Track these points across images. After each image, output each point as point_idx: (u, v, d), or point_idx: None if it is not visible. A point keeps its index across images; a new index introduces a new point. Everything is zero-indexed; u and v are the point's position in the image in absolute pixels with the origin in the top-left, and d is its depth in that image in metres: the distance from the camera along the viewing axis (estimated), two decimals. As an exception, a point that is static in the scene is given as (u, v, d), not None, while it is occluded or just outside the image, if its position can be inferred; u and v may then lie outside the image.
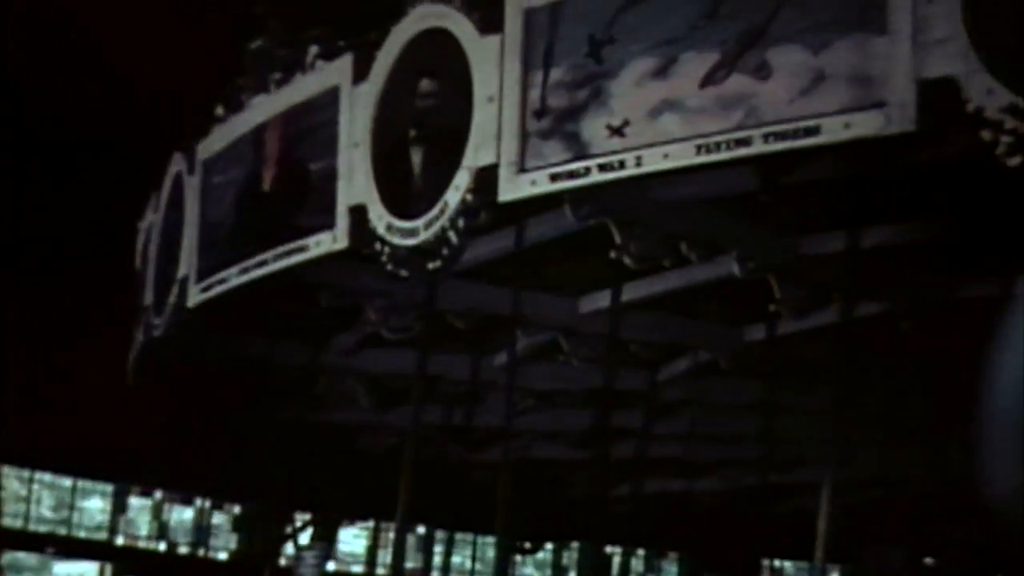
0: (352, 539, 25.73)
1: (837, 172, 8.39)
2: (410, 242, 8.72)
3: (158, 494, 25.38)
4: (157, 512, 25.43)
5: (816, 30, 7.02)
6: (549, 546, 24.70)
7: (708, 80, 7.33)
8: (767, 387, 11.89)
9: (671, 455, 15.52)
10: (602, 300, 11.12)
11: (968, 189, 8.03)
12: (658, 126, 7.50)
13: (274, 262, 9.92)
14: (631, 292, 10.69)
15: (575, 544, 24.52)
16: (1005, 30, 6.59)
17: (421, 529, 25.68)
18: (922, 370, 11.18)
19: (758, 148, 7.19)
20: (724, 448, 15.22)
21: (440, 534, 26.07)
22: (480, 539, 26.27)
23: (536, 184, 8.03)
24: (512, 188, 8.13)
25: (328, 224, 9.39)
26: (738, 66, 7.24)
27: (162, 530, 25.43)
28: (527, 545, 22.64)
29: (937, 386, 10.93)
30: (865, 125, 6.89)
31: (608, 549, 21.97)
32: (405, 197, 8.80)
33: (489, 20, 8.30)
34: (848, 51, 6.92)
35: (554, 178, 7.93)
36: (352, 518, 24.93)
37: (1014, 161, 6.54)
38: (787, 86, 7.08)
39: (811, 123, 7.01)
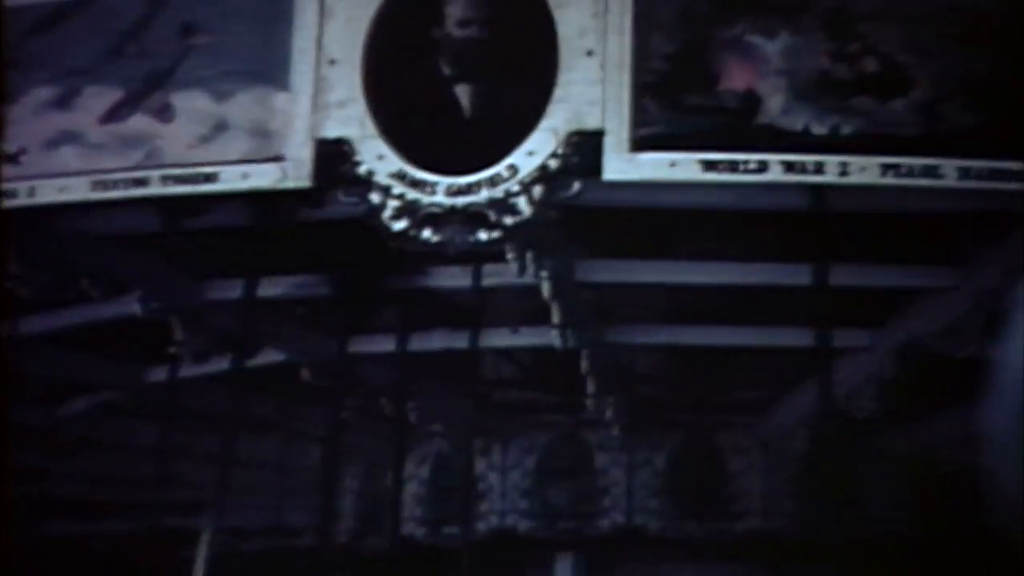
0: None
1: (242, 220, 8.46)
2: None
3: None
4: None
5: (221, 79, 7.12)
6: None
7: (110, 116, 7.26)
8: (166, 429, 11.77)
9: (72, 495, 15.08)
10: (-1, 331, 10.66)
11: (359, 249, 8.30)
12: (55, 158, 7.34)
13: None
14: (30, 325, 10.30)
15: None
16: (399, 98, 6.92)
17: None
18: (317, 420, 11.44)
19: (156, 189, 7.19)
20: (126, 490, 14.94)
21: None
22: None
23: None
24: None
25: None
26: (141, 106, 7.22)
27: None
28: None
29: (327, 438, 11.23)
30: (262, 177, 7.05)
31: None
32: None
33: None
34: (250, 103, 7.05)
35: None
36: None
37: (399, 225, 6.84)
38: (189, 131, 7.13)
39: (210, 170, 7.09)
